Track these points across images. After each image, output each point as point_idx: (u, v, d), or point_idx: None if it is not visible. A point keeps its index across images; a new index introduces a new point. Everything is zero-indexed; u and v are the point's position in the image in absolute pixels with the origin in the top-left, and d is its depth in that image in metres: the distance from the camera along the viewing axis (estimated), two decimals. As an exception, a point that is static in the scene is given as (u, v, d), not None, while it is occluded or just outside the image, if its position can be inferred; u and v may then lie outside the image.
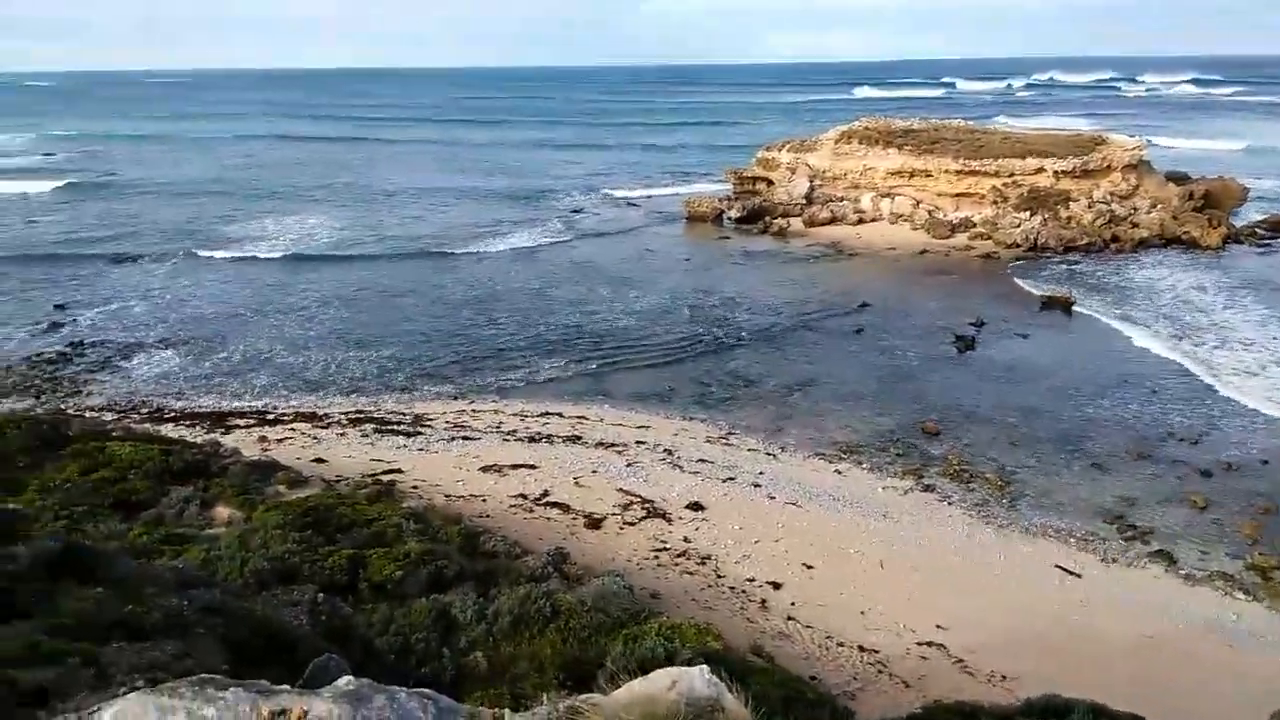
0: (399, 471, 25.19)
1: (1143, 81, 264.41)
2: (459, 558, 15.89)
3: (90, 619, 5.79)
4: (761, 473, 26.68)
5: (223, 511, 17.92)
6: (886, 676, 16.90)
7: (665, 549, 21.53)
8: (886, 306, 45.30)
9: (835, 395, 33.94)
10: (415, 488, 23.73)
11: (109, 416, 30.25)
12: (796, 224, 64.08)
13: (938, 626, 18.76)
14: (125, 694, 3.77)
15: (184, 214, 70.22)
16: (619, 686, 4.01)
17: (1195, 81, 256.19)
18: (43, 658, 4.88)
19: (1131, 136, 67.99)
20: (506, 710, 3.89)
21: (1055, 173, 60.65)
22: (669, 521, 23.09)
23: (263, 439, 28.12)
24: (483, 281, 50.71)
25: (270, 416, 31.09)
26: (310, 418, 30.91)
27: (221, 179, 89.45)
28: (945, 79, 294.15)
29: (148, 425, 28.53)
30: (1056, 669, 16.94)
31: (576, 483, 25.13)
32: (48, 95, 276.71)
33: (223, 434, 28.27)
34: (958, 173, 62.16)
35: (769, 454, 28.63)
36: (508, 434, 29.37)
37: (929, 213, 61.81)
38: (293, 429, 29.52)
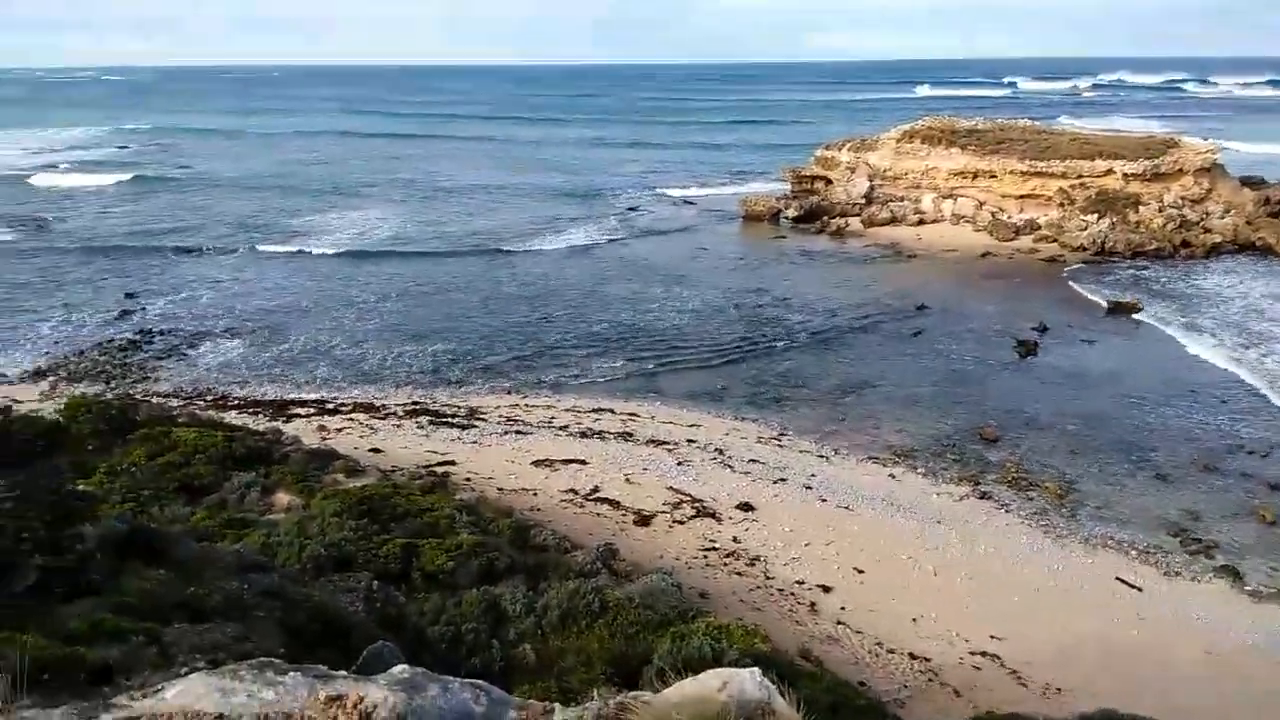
0: (452, 463, 25.51)
1: (1216, 83, 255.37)
2: (510, 550, 16.07)
3: (154, 599, 5.96)
4: (813, 475, 26.42)
5: (282, 498, 18.33)
6: (937, 685, 16.63)
7: (714, 548, 21.47)
8: (946, 309, 44.54)
9: (891, 399, 33.45)
10: (468, 480, 24.02)
11: (175, 402, 31.10)
12: (855, 224, 63.34)
13: (992, 636, 18.41)
14: (187, 674, 3.87)
15: (249, 207, 71.90)
16: (667, 685, 4.00)
17: (1274, 83, 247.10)
18: (108, 635, 5.03)
19: (1205, 139, 65.88)
20: (556, 704, 3.90)
21: (1125, 175, 58.95)
22: (718, 521, 23.01)
23: (322, 428, 28.71)
24: (538, 278, 51.02)
25: (329, 406, 31.70)
26: (368, 408, 31.45)
27: (285, 173, 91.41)
28: (1008, 79, 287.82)
29: (212, 412, 29.32)
30: (1114, 684, 16.53)
31: (627, 479, 25.17)
32: (126, 89, 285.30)
33: (284, 422, 28.89)
34: (1023, 174, 60.76)
35: (821, 456, 28.35)
36: (560, 429, 29.54)
37: (992, 214, 60.59)
38: (351, 419, 30.06)
